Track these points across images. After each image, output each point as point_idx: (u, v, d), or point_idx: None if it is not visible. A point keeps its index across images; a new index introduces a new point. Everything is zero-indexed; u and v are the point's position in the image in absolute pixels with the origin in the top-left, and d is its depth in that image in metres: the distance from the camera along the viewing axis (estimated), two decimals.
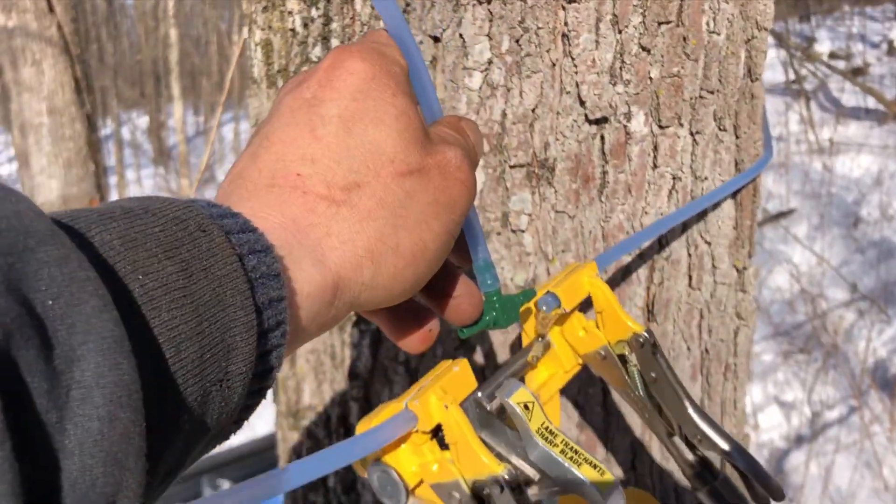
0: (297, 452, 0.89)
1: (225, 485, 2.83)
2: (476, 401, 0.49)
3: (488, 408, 0.49)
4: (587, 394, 0.77)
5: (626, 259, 0.75)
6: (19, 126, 5.49)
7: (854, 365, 3.31)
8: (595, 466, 0.45)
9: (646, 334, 0.56)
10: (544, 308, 0.55)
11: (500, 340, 0.78)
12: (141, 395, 0.22)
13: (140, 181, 8.81)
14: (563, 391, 0.75)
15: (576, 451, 0.46)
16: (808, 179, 5.10)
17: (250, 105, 0.85)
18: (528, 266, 0.74)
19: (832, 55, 7.60)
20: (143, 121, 10.66)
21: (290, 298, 0.32)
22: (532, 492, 0.47)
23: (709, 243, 0.79)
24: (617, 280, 0.76)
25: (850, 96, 6.51)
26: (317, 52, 0.75)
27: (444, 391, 0.45)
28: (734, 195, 0.80)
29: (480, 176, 0.71)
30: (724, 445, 0.55)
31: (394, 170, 0.38)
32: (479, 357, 0.80)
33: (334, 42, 0.73)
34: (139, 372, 0.23)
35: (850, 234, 4.48)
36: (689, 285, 0.79)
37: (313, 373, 0.85)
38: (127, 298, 0.24)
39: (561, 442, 0.47)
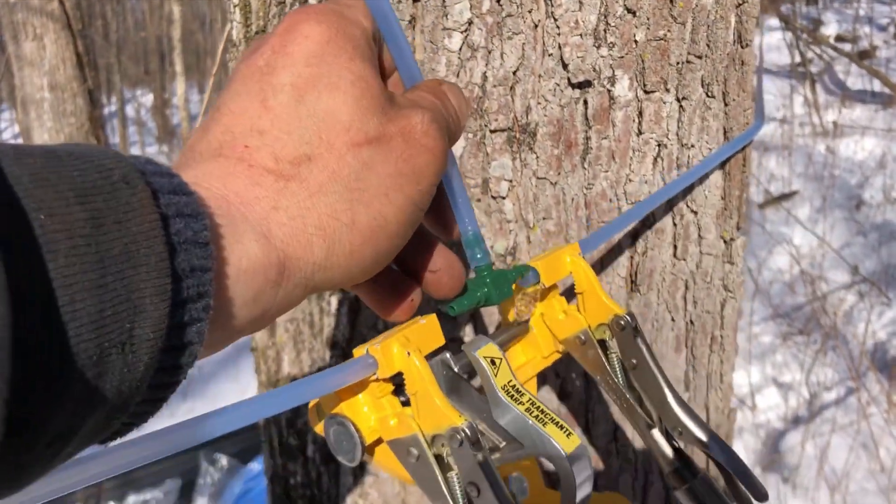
0: (276, 421, 0.88)
1: (222, 459, 2.84)
2: (443, 361, 0.48)
3: (455, 368, 0.48)
4: (568, 364, 0.76)
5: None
6: (21, 101, 5.48)
7: (853, 347, 3.30)
8: (561, 427, 0.44)
9: (627, 317, 0.54)
10: (525, 283, 0.54)
11: (493, 322, 0.77)
12: (9, 332, 0.21)
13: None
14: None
15: (542, 411, 0.45)
16: (811, 162, 5.06)
17: (230, 68, 0.84)
18: (509, 234, 0.72)
19: (839, 38, 7.52)
20: (147, 98, 10.61)
21: (222, 271, 0.30)
22: (496, 457, 0.45)
23: (695, 213, 0.77)
24: (600, 249, 0.74)
25: (856, 79, 6.45)
26: None
27: (408, 339, 0.44)
28: (722, 164, 0.78)
29: (460, 140, 0.70)
30: (705, 438, 0.53)
31: (349, 139, 0.36)
32: (468, 338, 0.78)
33: (312, 2, 0.71)
34: (23, 314, 0.21)
35: (853, 217, 4.45)
36: (674, 255, 0.77)
37: (292, 342, 0.83)
38: (26, 238, 0.22)
39: (527, 401, 0.45)
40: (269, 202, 0.33)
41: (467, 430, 0.41)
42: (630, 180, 0.73)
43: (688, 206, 0.77)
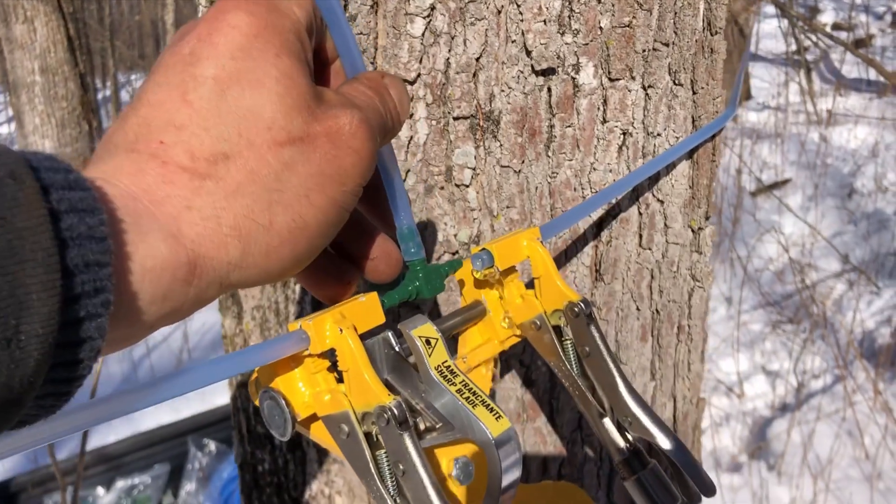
0: (245, 409, 0.88)
1: (211, 445, 2.84)
2: (385, 339, 0.48)
3: (396, 348, 0.47)
4: (533, 352, 0.76)
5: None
6: (12, 84, 5.45)
7: (841, 336, 3.31)
8: (492, 410, 0.44)
9: (581, 304, 0.54)
10: (477, 264, 0.53)
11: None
12: None
13: None
14: (506, 351, 0.74)
15: (474, 393, 0.44)
16: (804, 150, 5.06)
17: None
18: (473, 222, 0.72)
19: (835, 26, 7.50)
20: (142, 83, 10.57)
21: (125, 268, 0.30)
22: (431, 436, 0.45)
23: (661, 202, 0.77)
24: (563, 237, 0.74)
25: (852, 67, 6.44)
26: None
27: (343, 316, 0.44)
28: (690, 153, 0.78)
29: (423, 128, 0.69)
30: (654, 429, 0.53)
31: (271, 138, 0.35)
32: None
33: None
34: None
35: (844, 206, 4.45)
36: (640, 244, 0.77)
37: (259, 329, 0.83)
38: None
39: (460, 382, 0.45)
40: (181, 201, 0.33)
41: (395, 409, 0.41)
42: (595, 169, 0.72)
43: (654, 195, 0.76)
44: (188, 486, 2.77)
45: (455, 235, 0.72)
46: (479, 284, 0.57)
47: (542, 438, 0.78)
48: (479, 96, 0.69)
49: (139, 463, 2.75)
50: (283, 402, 0.43)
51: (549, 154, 0.71)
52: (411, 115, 0.69)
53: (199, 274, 0.33)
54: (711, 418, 3.03)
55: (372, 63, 0.68)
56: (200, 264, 0.33)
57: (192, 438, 2.84)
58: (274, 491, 0.87)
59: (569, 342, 0.56)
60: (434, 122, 0.70)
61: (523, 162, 0.71)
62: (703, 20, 0.76)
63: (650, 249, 0.77)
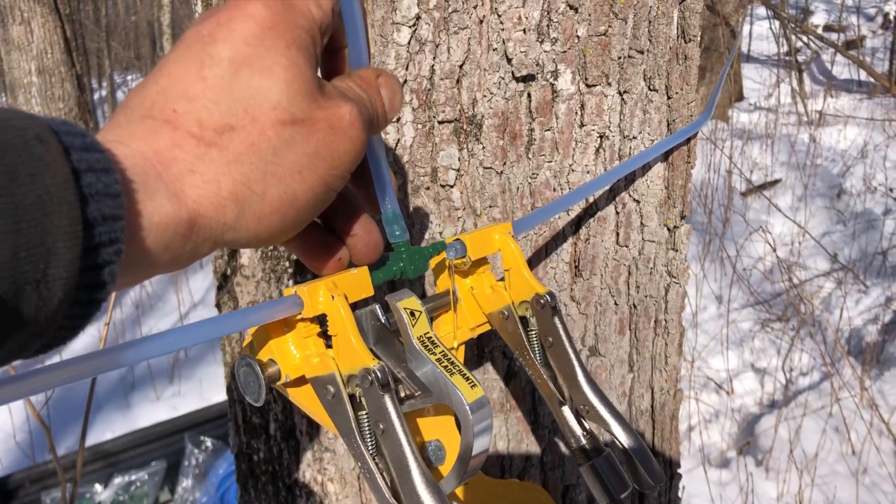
0: (240, 401, 0.92)
1: (207, 442, 2.87)
2: (372, 311, 0.52)
3: (382, 320, 0.51)
4: None
5: (555, 215, 0.77)
6: (9, 85, 5.46)
7: (829, 333, 3.36)
8: (467, 379, 0.48)
9: (547, 296, 0.58)
10: (451, 253, 0.57)
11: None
12: None
13: None
14: (490, 342, 0.78)
15: (452, 363, 0.48)
16: (794, 151, 5.11)
17: None
18: (457, 221, 0.76)
19: (827, 28, 7.56)
20: (138, 83, 10.60)
21: (135, 222, 0.34)
22: (409, 403, 0.49)
23: (637, 202, 0.81)
24: (544, 234, 0.78)
25: (843, 69, 6.49)
26: None
27: (335, 285, 0.48)
28: (665, 155, 0.82)
29: (410, 131, 0.73)
30: (610, 419, 0.57)
31: (275, 117, 0.39)
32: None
33: None
34: None
35: (833, 206, 4.50)
36: (617, 242, 0.81)
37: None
38: None
39: (440, 352, 0.49)
40: (186, 165, 0.37)
41: (378, 372, 0.45)
42: (573, 170, 0.76)
43: (630, 195, 0.80)
44: (185, 483, 2.80)
45: (440, 233, 0.76)
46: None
47: (525, 428, 0.82)
48: (462, 101, 0.73)
49: (136, 460, 2.78)
50: (259, 369, 0.47)
51: (530, 156, 0.75)
52: (398, 119, 0.73)
53: (197, 231, 0.37)
54: (700, 415, 3.08)
55: None
56: (199, 223, 0.37)
57: (188, 435, 2.87)
58: (269, 479, 0.91)
59: (534, 333, 0.59)
60: (420, 126, 0.73)
61: (505, 164, 0.74)
62: (678, 28, 0.80)
63: (627, 247, 0.81)
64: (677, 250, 0.86)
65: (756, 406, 3.12)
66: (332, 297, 0.46)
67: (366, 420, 0.46)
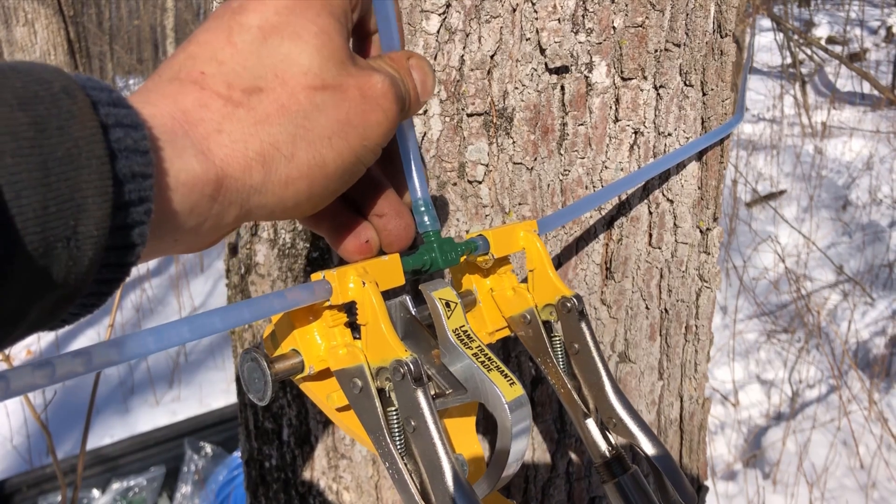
0: (252, 406, 0.88)
1: (207, 448, 2.83)
2: (402, 303, 0.49)
3: (413, 312, 0.48)
4: None
5: (585, 213, 0.74)
6: None
7: (836, 345, 3.32)
8: (506, 376, 0.44)
9: (574, 299, 0.53)
10: (473, 252, 0.54)
11: None
12: None
13: None
14: (517, 346, 0.74)
15: (489, 359, 0.45)
16: (799, 162, 5.09)
17: None
18: (485, 218, 0.73)
19: (830, 40, 7.55)
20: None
21: (162, 181, 0.32)
22: (439, 401, 0.46)
23: (671, 201, 0.78)
24: (574, 234, 0.74)
25: (846, 81, 6.48)
26: None
27: (366, 271, 0.44)
28: (699, 155, 0.79)
29: (437, 124, 0.70)
30: (638, 432, 0.52)
31: (306, 82, 0.38)
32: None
33: None
34: None
35: (839, 217, 4.47)
36: (649, 243, 0.77)
37: (268, 319, 0.83)
38: None
39: (476, 347, 0.46)
40: (213, 124, 0.35)
41: (411, 365, 0.41)
42: (606, 167, 0.73)
43: (663, 194, 0.77)
44: (184, 489, 2.76)
45: (467, 231, 0.73)
46: (472, 272, 0.57)
47: (551, 436, 0.78)
48: (492, 93, 0.70)
49: (135, 465, 2.74)
50: (265, 364, 0.43)
51: (562, 152, 0.72)
52: (425, 111, 0.70)
53: (223, 192, 0.35)
54: (706, 426, 3.04)
55: None
56: (226, 184, 0.35)
57: (188, 441, 2.83)
58: (281, 487, 0.88)
59: (557, 339, 0.55)
60: (448, 119, 0.70)
61: (535, 159, 0.71)
62: (714, 22, 0.77)
63: (660, 248, 0.78)
64: (709, 253, 0.82)
65: (762, 418, 3.08)
66: (364, 283, 0.43)
67: (395, 417, 0.43)
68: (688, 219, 0.79)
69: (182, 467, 2.77)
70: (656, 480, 0.53)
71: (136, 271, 4.67)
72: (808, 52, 6.69)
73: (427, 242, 0.51)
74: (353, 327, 0.45)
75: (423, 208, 0.50)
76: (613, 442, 0.55)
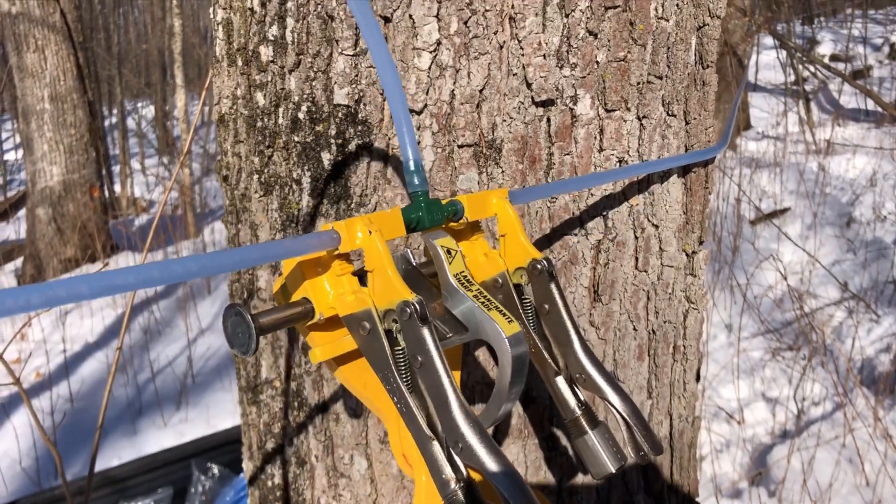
0: (255, 425, 0.91)
1: (214, 469, 2.85)
2: (403, 255, 0.52)
3: (414, 263, 0.51)
4: (533, 372, 0.79)
5: (572, 239, 0.77)
6: (22, 111, 5.52)
7: (841, 363, 3.33)
8: (504, 314, 0.48)
9: (544, 261, 0.56)
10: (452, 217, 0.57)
11: None
12: None
13: (145, 170, 8.85)
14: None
15: (488, 300, 0.49)
16: (803, 179, 5.10)
17: (214, 84, 0.87)
18: None
19: (833, 57, 7.59)
20: (148, 110, 10.72)
21: None
22: (444, 342, 0.49)
23: (656, 226, 0.80)
24: (563, 259, 0.77)
25: (850, 98, 6.51)
26: (273, 30, 0.76)
27: (371, 221, 0.48)
28: (684, 179, 0.82)
29: (430, 154, 0.73)
30: (606, 386, 0.55)
31: None
32: None
33: (290, 21, 0.75)
34: None
35: (843, 234, 4.48)
36: (636, 267, 0.80)
37: (270, 348, 0.86)
38: None
39: (476, 289, 0.49)
40: None
41: (417, 305, 0.44)
42: (592, 194, 0.76)
43: (648, 220, 0.80)
44: None
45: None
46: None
47: (543, 454, 0.81)
48: (482, 126, 0.73)
49: (143, 486, 2.76)
50: (249, 318, 0.46)
51: (549, 180, 0.75)
52: (418, 143, 0.73)
53: None
54: (712, 445, 3.04)
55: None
56: None
57: (195, 462, 2.84)
58: None
59: (528, 301, 0.58)
60: (440, 150, 0.73)
61: (524, 187, 0.74)
62: (695, 54, 0.80)
63: (646, 272, 0.81)
64: (695, 276, 0.85)
65: (768, 436, 3.08)
66: (370, 232, 0.47)
67: (401, 356, 0.46)
68: (673, 243, 0.82)
69: (189, 488, 2.79)
70: (627, 432, 0.56)
71: (143, 293, 4.71)
72: (812, 69, 6.73)
73: (415, 201, 0.54)
74: (360, 278, 0.49)
75: (413, 169, 0.53)
76: (582, 398, 0.57)
